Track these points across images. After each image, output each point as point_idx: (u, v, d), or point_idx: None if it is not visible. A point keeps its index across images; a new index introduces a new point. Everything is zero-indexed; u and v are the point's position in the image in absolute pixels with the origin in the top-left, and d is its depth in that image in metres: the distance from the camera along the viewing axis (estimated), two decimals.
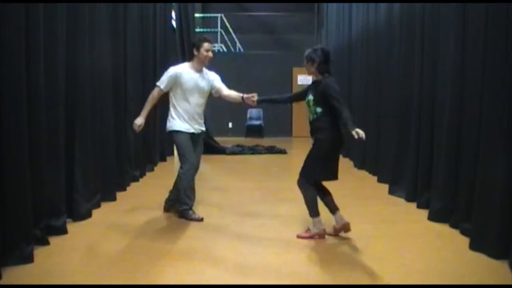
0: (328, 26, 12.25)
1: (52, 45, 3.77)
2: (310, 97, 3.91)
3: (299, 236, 3.97)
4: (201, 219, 4.46)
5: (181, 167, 4.48)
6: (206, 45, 4.43)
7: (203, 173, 8.21)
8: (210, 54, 4.47)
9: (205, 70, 4.60)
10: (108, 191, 5.17)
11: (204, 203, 5.28)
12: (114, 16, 5.59)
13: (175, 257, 3.49)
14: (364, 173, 7.45)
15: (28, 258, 3.20)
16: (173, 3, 10.28)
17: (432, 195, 4.66)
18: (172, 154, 9.59)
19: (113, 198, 5.27)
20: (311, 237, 3.93)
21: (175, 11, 10.53)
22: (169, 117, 4.55)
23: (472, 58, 3.93)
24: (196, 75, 4.49)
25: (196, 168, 4.58)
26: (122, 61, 5.99)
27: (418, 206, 4.98)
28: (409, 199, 5.27)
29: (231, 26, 15.38)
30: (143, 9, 7.22)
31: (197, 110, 4.53)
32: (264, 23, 16.26)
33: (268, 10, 16.40)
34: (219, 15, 15.45)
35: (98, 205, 4.84)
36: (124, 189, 5.81)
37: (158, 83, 4.50)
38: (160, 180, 6.99)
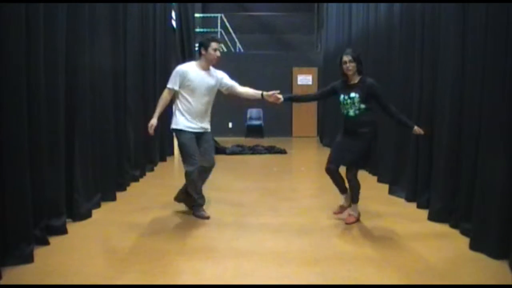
0: (328, 26, 12.25)
1: (52, 45, 3.77)
2: (354, 95, 4.27)
3: (347, 223, 4.40)
4: (208, 217, 4.53)
5: (185, 168, 4.46)
6: (214, 44, 4.43)
7: None
8: (218, 53, 4.47)
9: (212, 68, 4.59)
10: (108, 191, 5.16)
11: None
12: (114, 16, 5.59)
13: (175, 257, 3.49)
14: (364, 173, 7.43)
15: (28, 258, 3.20)
16: (173, 3, 10.29)
17: (432, 195, 4.66)
18: (172, 154, 9.60)
19: (113, 198, 5.27)
20: (357, 220, 4.45)
21: (175, 11, 10.54)
22: (174, 115, 4.52)
23: (472, 58, 3.93)
24: (202, 73, 4.48)
25: (212, 165, 4.64)
26: (122, 60, 5.98)
27: (418, 206, 4.98)
28: (409, 199, 5.27)
29: (231, 26, 15.40)
30: (143, 9, 7.22)
31: (202, 109, 4.50)
32: (264, 23, 16.29)
33: (268, 10, 16.42)
34: (219, 15, 15.46)
35: (98, 205, 4.84)
36: (124, 189, 5.81)
37: (168, 85, 4.46)
38: (160, 180, 7.00)
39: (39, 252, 3.38)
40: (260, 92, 4.61)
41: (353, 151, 4.31)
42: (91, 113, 4.71)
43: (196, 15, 13.05)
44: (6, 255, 3.09)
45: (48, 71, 3.69)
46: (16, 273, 3.03)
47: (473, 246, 3.61)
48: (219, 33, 15.39)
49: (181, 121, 4.44)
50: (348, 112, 4.33)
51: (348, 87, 4.35)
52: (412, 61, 5.38)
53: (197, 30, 13.85)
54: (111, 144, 5.38)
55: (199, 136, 4.51)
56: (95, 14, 4.81)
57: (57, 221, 3.87)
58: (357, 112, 4.27)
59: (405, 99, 5.60)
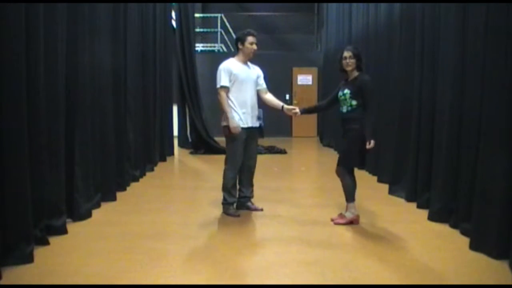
0: (328, 26, 12.25)
1: (52, 45, 3.77)
2: (346, 91, 4.27)
3: (335, 222, 4.31)
4: (238, 215, 4.62)
5: (226, 168, 4.66)
6: (250, 38, 4.60)
7: (203, 173, 8.22)
8: (255, 46, 4.63)
9: (249, 63, 4.74)
10: (108, 191, 5.17)
11: (204, 203, 5.29)
12: (114, 16, 5.59)
13: (175, 257, 3.49)
14: (364, 173, 7.44)
15: (28, 258, 3.20)
16: (173, 3, 10.29)
17: (432, 195, 4.66)
18: (172, 154, 9.59)
19: (113, 198, 5.27)
20: (346, 223, 4.27)
21: (175, 11, 10.55)
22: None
23: (472, 58, 3.93)
24: (244, 66, 4.64)
25: (255, 162, 4.81)
26: (122, 61, 5.98)
27: (418, 206, 4.98)
28: (409, 199, 5.27)
29: (231, 26, 15.37)
30: (143, 9, 7.22)
31: (254, 102, 4.67)
32: (264, 23, 16.26)
33: (268, 10, 16.40)
34: (219, 15, 15.45)
35: (98, 205, 4.84)
36: (124, 189, 5.81)
37: (221, 84, 4.52)
38: (160, 180, 7.01)
39: (39, 252, 3.38)
40: (281, 104, 4.77)
41: (341, 149, 4.36)
42: (91, 113, 4.71)
43: (196, 15, 13.04)
44: (6, 255, 3.09)
45: (48, 71, 3.69)
46: (16, 273, 3.03)
47: (473, 246, 3.61)
48: (219, 33, 15.39)
49: (236, 119, 4.55)
50: (341, 108, 4.34)
51: (345, 84, 4.39)
52: (412, 61, 5.38)
53: (197, 30, 13.84)
54: (111, 144, 5.38)
55: (249, 133, 4.63)
56: (95, 14, 4.81)
57: (57, 221, 3.87)
58: (348, 108, 4.26)
59: (405, 99, 5.60)
